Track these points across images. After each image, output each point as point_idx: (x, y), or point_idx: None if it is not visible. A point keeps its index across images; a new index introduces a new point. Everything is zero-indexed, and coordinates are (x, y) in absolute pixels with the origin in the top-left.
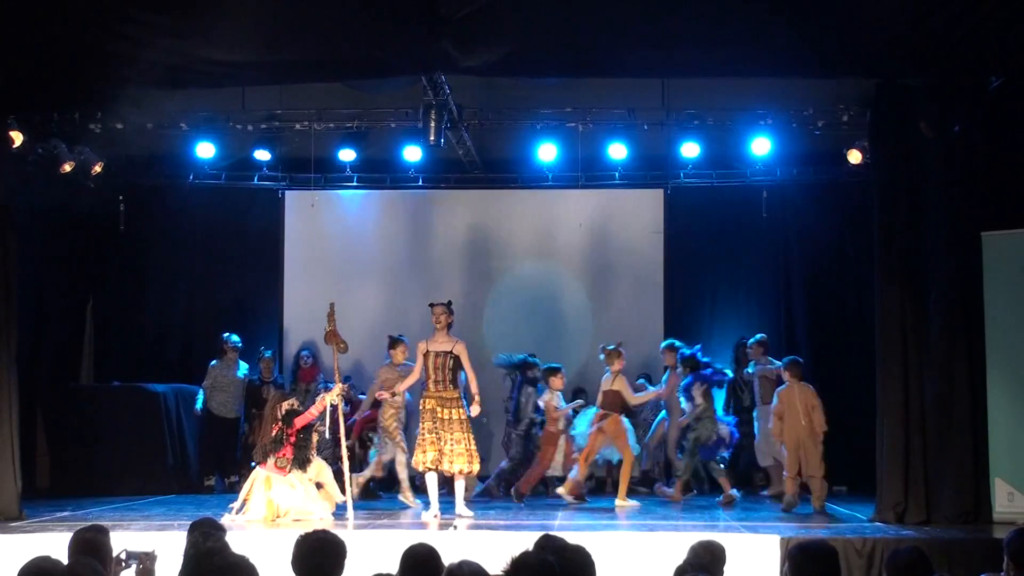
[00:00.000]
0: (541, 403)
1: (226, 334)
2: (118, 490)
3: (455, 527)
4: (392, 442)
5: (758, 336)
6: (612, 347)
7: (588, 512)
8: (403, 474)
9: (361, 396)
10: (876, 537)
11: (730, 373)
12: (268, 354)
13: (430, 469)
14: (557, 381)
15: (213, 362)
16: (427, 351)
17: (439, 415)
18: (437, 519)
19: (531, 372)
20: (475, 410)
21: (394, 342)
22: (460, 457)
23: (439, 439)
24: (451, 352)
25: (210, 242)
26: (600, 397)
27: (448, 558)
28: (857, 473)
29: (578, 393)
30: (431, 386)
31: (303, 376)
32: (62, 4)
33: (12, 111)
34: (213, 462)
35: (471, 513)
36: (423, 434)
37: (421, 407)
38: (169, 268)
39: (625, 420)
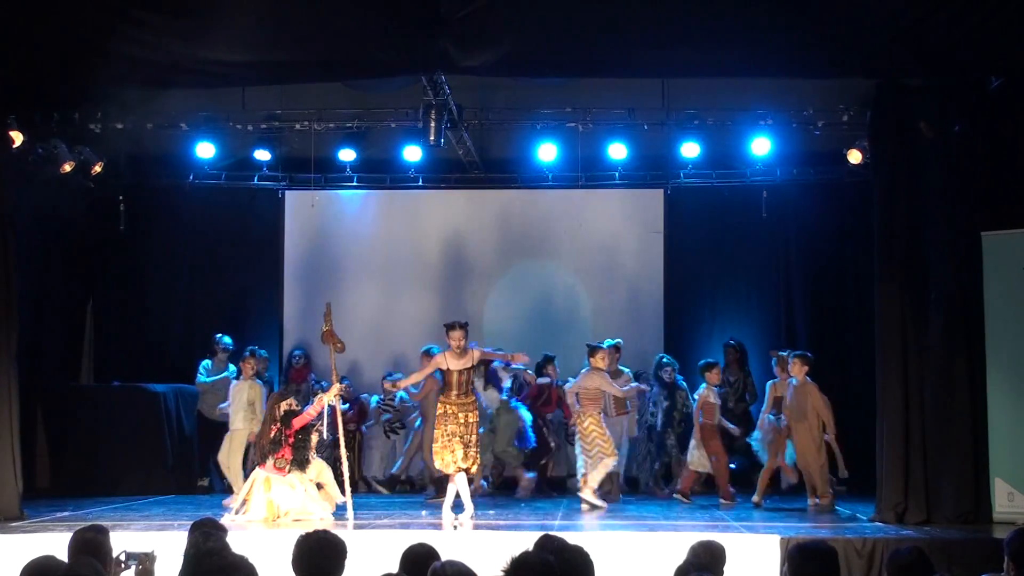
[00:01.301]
0: (697, 396)
1: (218, 335)
2: (118, 490)
3: (455, 527)
4: (598, 449)
5: (613, 341)
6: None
7: (587, 512)
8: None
9: (363, 396)
10: (876, 537)
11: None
12: (262, 354)
13: (461, 468)
14: (714, 376)
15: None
16: (448, 368)
17: (460, 419)
18: (472, 520)
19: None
20: (525, 358)
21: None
22: (467, 459)
23: (462, 443)
24: (472, 367)
25: (210, 242)
26: (780, 402)
27: (448, 558)
28: (857, 473)
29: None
30: (452, 397)
31: (294, 376)
32: (62, 4)
33: (12, 111)
34: (208, 463)
35: (454, 516)
36: (446, 436)
37: (440, 411)
38: (169, 268)
39: None
